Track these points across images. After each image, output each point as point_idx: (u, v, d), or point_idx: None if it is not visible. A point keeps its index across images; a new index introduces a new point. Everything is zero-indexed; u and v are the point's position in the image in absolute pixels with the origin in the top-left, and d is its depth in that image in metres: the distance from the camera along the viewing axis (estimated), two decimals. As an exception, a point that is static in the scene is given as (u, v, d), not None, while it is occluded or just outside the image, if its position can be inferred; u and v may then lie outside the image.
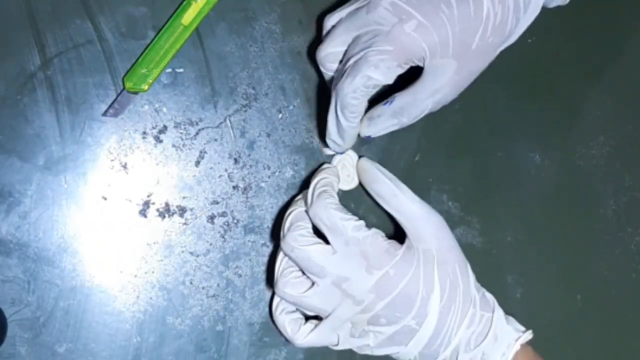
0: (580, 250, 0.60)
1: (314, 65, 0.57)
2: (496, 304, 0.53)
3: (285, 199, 0.57)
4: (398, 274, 0.50)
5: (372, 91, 0.50)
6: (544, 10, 0.52)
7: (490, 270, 0.59)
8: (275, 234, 0.57)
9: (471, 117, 0.59)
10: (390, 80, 0.49)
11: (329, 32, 0.52)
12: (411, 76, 0.51)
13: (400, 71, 0.50)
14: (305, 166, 0.57)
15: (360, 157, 0.56)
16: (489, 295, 0.53)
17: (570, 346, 0.60)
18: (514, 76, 0.60)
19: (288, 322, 0.52)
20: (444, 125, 0.59)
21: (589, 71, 0.61)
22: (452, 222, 0.59)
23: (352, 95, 0.49)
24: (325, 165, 0.56)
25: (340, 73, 0.51)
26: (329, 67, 0.52)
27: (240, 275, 0.56)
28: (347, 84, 0.49)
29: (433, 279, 0.50)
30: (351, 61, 0.49)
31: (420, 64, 0.50)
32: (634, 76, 0.61)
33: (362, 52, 0.49)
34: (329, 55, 0.52)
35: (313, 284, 0.50)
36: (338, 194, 0.54)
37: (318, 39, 0.58)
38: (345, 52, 0.51)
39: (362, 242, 0.50)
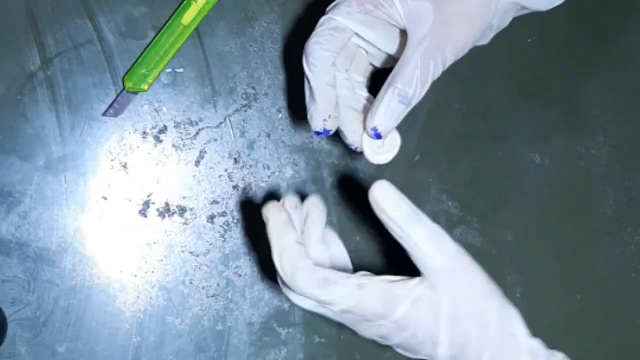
0: (580, 250, 0.60)
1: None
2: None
3: (285, 199, 0.57)
4: (397, 328, 0.44)
5: (338, 37, 0.47)
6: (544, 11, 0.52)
7: (490, 270, 0.59)
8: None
9: (471, 117, 0.59)
10: (356, 25, 0.47)
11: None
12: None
13: (366, 16, 0.47)
14: (305, 166, 0.57)
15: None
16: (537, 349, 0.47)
17: (570, 346, 0.60)
18: (514, 76, 0.60)
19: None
20: (444, 125, 0.59)
21: (590, 71, 0.61)
22: (452, 222, 0.59)
23: (314, 40, 0.47)
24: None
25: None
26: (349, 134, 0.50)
27: (240, 275, 0.57)
28: (312, 34, 0.47)
29: (439, 335, 0.45)
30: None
31: (391, 10, 0.47)
32: (634, 76, 0.61)
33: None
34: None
35: None
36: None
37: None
38: None
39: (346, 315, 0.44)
